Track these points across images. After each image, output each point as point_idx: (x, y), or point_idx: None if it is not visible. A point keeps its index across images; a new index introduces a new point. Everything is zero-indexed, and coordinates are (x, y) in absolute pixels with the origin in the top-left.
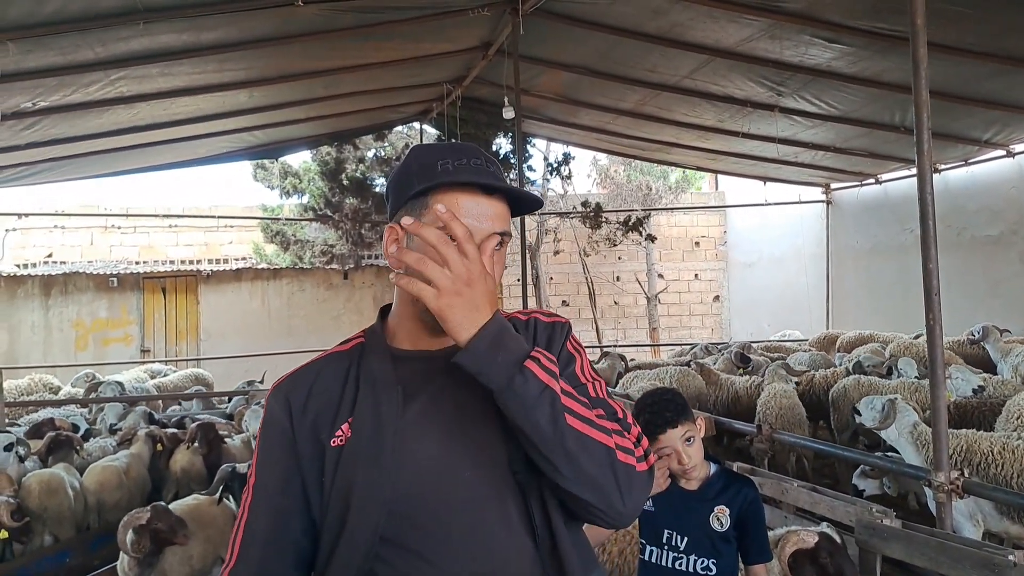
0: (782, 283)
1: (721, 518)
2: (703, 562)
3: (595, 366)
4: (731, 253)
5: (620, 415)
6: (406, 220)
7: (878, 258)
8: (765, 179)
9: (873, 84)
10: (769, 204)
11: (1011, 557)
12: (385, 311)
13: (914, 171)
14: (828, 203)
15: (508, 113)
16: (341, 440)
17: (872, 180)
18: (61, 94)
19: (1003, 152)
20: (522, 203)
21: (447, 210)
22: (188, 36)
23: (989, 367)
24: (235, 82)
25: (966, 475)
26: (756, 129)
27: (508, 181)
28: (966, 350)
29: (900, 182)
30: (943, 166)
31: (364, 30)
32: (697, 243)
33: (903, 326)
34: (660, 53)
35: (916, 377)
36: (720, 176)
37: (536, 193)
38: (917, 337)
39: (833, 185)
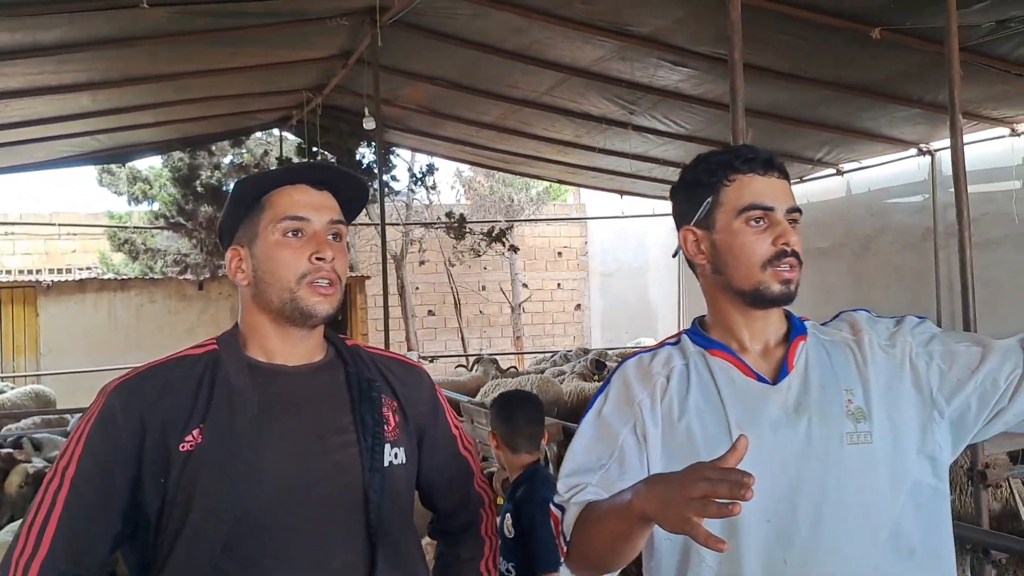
0: (638, 293)
1: (508, 523)
2: (504, 565)
3: (467, 373)
4: (591, 263)
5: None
6: None
7: None
8: (622, 193)
9: (717, 106)
10: (626, 216)
11: None
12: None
13: None
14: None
15: (369, 124)
16: (190, 446)
17: None
18: None
19: (834, 171)
20: (352, 199)
21: None
22: (22, 35)
23: None
24: (76, 84)
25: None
26: (611, 145)
27: (369, 192)
28: None
29: None
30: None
31: (216, 34)
32: (560, 253)
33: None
34: (521, 70)
35: None
36: (582, 189)
37: (393, 199)
38: None
39: None
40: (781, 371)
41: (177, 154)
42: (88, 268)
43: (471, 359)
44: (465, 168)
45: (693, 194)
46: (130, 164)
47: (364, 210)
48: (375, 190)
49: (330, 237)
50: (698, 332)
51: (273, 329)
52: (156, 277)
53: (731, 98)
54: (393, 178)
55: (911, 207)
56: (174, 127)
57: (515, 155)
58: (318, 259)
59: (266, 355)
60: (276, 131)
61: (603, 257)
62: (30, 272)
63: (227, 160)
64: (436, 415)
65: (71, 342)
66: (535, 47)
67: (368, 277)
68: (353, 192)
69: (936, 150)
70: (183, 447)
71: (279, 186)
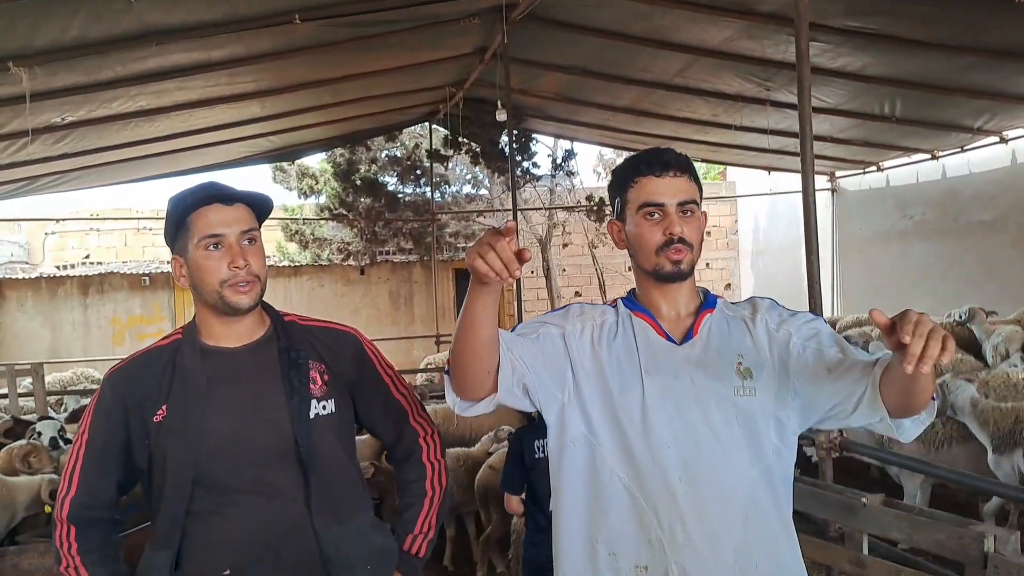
0: (790, 271)
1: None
2: None
3: None
4: (741, 242)
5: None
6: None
7: (879, 244)
8: (769, 169)
9: (856, 78)
10: (774, 193)
11: (863, 500)
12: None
13: (914, 159)
14: (833, 191)
15: (501, 116)
16: (160, 417)
17: (875, 168)
18: (87, 110)
19: (996, 139)
20: (260, 205)
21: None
22: (198, 54)
23: (976, 348)
24: (246, 93)
25: (844, 435)
26: (751, 122)
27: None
28: (955, 331)
29: (901, 169)
30: (941, 153)
31: (360, 42)
32: (708, 232)
33: (903, 306)
34: (649, 54)
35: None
36: (731, 167)
37: (537, 180)
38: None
39: (838, 173)
40: (687, 335)
41: (338, 150)
42: (267, 257)
43: None
44: (608, 151)
45: (613, 194)
46: (299, 161)
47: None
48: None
49: (245, 243)
50: (631, 299)
51: (215, 319)
52: (324, 264)
53: (798, 88)
54: (534, 164)
55: None
56: (334, 126)
57: (653, 136)
58: (235, 267)
59: (214, 339)
60: (427, 124)
61: (754, 235)
62: None
63: (382, 154)
64: (362, 368)
65: None
66: (660, 31)
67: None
68: (258, 201)
69: None
70: (155, 419)
71: (197, 208)
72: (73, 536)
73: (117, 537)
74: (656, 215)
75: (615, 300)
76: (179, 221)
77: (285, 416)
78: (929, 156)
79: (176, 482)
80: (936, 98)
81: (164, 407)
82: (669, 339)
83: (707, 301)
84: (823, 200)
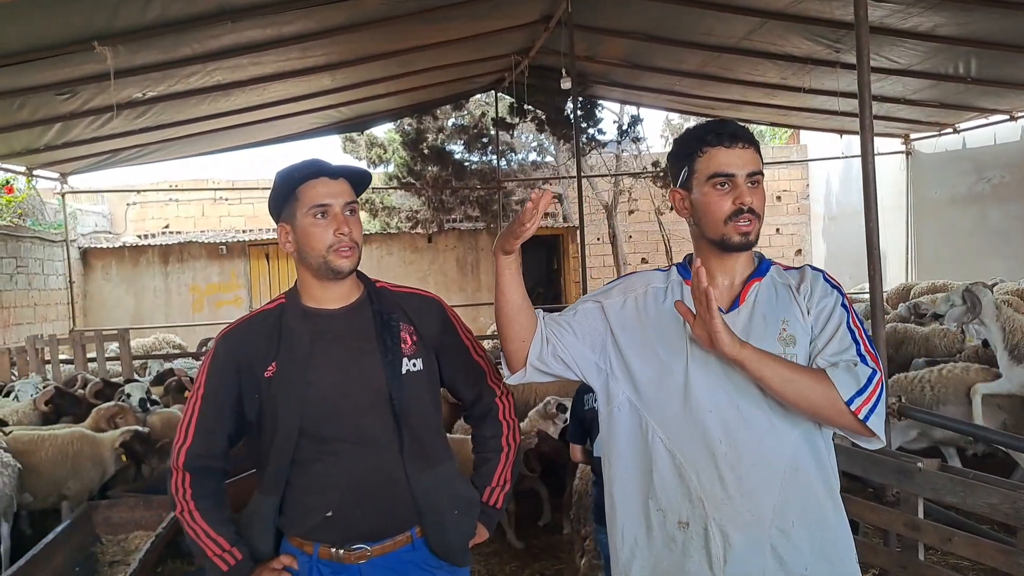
0: (863, 236)
1: None
2: None
3: None
4: (813, 207)
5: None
6: None
7: (956, 208)
8: (841, 132)
9: (929, 38)
10: (847, 157)
11: (919, 464)
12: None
13: (992, 119)
14: (908, 154)
15: (566, 84)
16: (271, 373)
17: (950, 130)
18: (166, 85)
19: None
20: (360, 180)
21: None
22: (271, 30)
23: None
24: (317, 67)
25: (903, 400)
26: (820, 84)
27: (370, 175)
28: None
29: (978, 131)
30: (1019, 113)
31: (427, 14)
32: (779, 197)
33: (980, 275)
34: (714, 17)
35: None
36: (802, 131)
37: (577, 146)
38: (994, 285)
39: (912, 136)
40: (734, 303)
41: (406, 120)
42: None
43: None
44: (674, 116)
45: (676, 163)
46: (368, 132)
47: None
48: (571, 145)
49: (347, 214)
50: (685, 267)
51: (316, 282)
52: (392, 232)
53: (857, 55)
54: (600, 131)
55: None
56: (403, 96)
57: (721, 100)
58: (340, 234)
59: (315, 302)
60: (492, 92)
61: (826, 200)
62: None
63: (450, 123)
64: (446, 331)
65: None
66: None
67: (576, 227)
68: (359, 176)
69: None
70: (266, 374)
71: (306, 181)
72: (188, 483)
73: (225, 485)
74: (727, 185)
75: (670, 265)
76: (288, 192)
77: (380, 372)
78: (1007, 117)
79: (285, 432)
80: (1012, 56)
81: (274, 364)
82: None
83: (759, 268)
84: (897, 163)
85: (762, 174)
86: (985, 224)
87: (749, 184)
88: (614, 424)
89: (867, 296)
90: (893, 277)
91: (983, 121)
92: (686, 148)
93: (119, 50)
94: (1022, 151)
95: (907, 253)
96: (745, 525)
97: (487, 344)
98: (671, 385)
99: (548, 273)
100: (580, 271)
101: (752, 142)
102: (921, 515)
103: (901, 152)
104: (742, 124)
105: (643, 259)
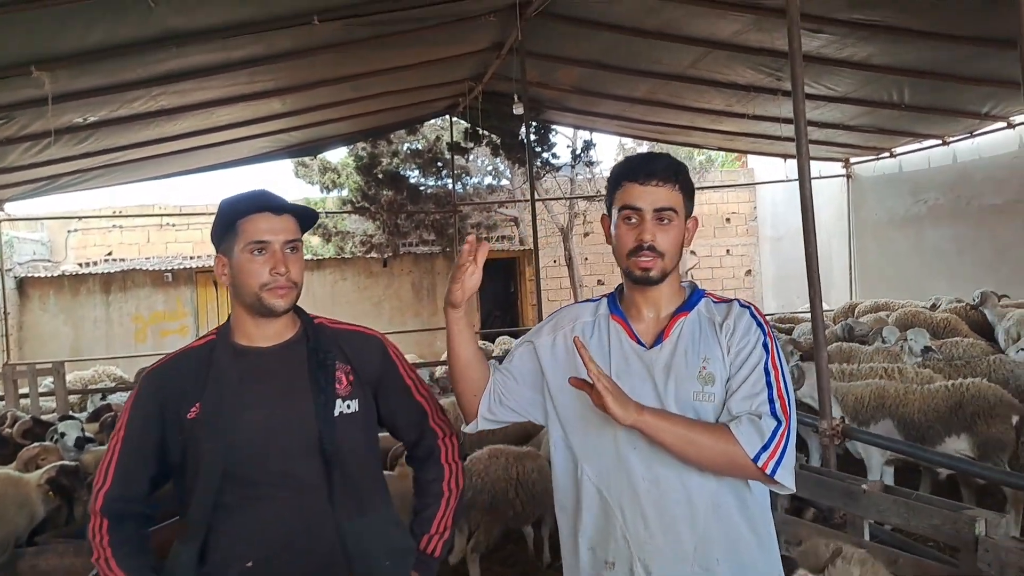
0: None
1: None
2: None
3: None
4: (761, 228)
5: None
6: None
7: (895, 229)
8: (785, 156)
9: (864, 67)
10: (791, 180)
11: (863, 486)
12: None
13: (925, 144)
14: (848, 177)
15: (518, 109)
16: (195, 414)
17: (887, 154)
18: (108, 110)
19: (1004, 124)
20: (306, 218)
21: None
22: (218, 55)
23: (989, 331)
24: (267, 91)
25: (846, 421)
26: (764, 111)
27: (317, 212)
28: (969, 315)
29: (913, 155)
30: (951, 138)
31: (379, 40)
32: (728, 219)
33: (918, 294)
34: (662, 47)
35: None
36: (751, 155)
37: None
38: (933, 306)
39: (852, 159)
40: (658, 339)
41: (360, 144)
42: None
43: None
44: (628, 141)
45: (607, 191)
46: (321, 156)
47: (522, 187)
48: (526, 169)
49: (287, 251)
50: (613, 298)
51: (249, 319)
52: (347, 257)
53: (792, 83)
54: (553, 155)
55: None
56: (356, 120)
57: (671, 126)
58: (277, 273)
59: (247, 339)
60: (447, 117)
61: (773, 221)
62: None
63: (404, 147)
64: (386, 370)
65: None
66: (672, 25)
67: (532, 250)
68: (306, 214)
69: None
70: (190, 415)
71: (248, 214)
72: (106, 528)
73: (148, 531)
74: (633, 219)
75: (604, 295)
76: (228, 224)
77: (311, 413)
78: (940, 142)
79: (206, 476)
80: (942, 85)
81: (198, 404)
82: (639, 342)
83: (688, 301)
84: (838, 186)
85: (675, 211)
86: (922, 244)
87: (656, 221)
88: (554, 460)
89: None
90: (838, 295)
91: (918, 146)
92: (612, 179)
93: (59, 74)
94: (955, 174)
95: (851, 272)
96: (668, 563)
97: (438, 370)
98: (597, 423)
99: (506, 296)
100: (536, 294)
101: (672, 180)
102: (867, 537)
103: (842, 175)
104: (676, 160)
105: (599, 281)
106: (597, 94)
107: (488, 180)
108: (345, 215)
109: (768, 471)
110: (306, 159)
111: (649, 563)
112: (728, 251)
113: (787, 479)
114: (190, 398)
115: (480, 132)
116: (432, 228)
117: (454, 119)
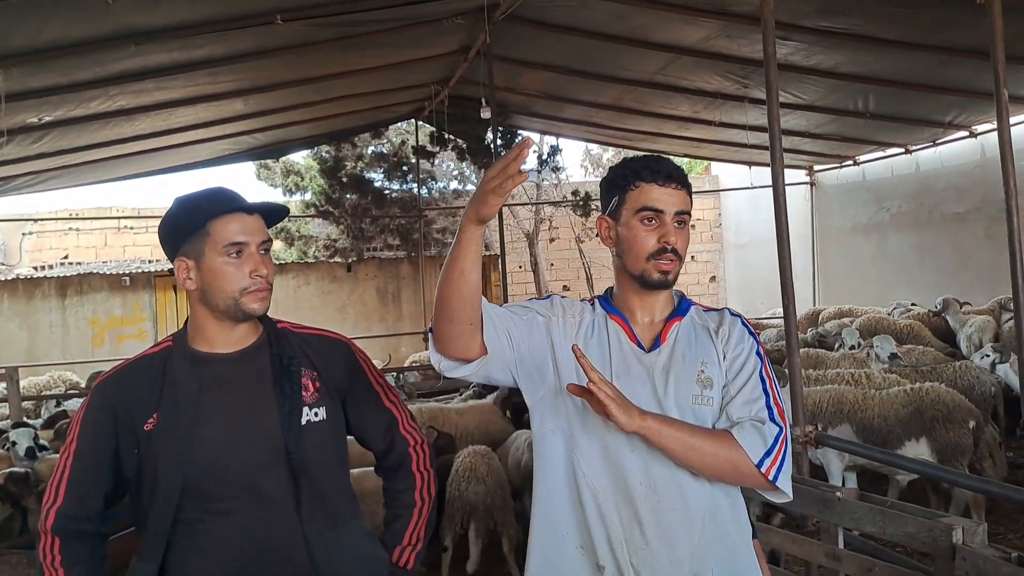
0: (771, 263)
1: None
2: None
3: None
4: (725, 235)
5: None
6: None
7: (858, 236)
8: (750, 164)
9: (831, 75)
10: (755, 187)
11: (837, 494)
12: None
13: (888, 152)
14: (812, 184)
15: (485, 113)
16: (151, 426)
17: (851, 162)
18: (64, 110)
19: (966, 133)
20: (273, 216)
21: None
22: (178, 54)
23: (951, 337)
24: (228, 92)
25: (819, 429)
26: (730, 118)
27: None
28: (932, 322)
29: (875, 163)
30: (914, 147)
31: (344, 41)
32: (693, 226)
33: (880, 301)
34: (629, 53)
35: (853, 347)
36: (715, 162)
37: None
38: (893, 311)
39: (816, 167)
40: (656, 342)
41: (324, 147)
42: None
43: None
44: (594, 147)
45: (609, 191)
46: (284, 158)
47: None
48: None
49: (262, 253)
50: (607, 300)
51: (214, 324)
52: (310, 261)
53: (767, 91)
54: None
55: None
56: (320, 123)
57: (637, 132)
58: (257, 276)
59: (207, 345)
60: (413, 121)
61: (737, 228)
62: None
63: (369, 151)
64: (354, 377)
65: None
66: (639, 31)
67: (497, 255)
68: (273, 211)
69: None
70: (146, 427)
71: (220, 215)
72: (57, 548)
73: (103, 551)
74: (654, 221)
75: (592, 299)
76: (196, 226)
77: (276, 422)
78: (903, 150)
79: (165, 491)
80: (907, 94)
81: (155, 415)
82: (639, 345)
83: (679, 308)
84: (802, 193)
85: (689, 215)
86: (885, 251)
87: (676, 224)
88: (546, 447)
89: (780, 321)
90: (801, 302)
91: (881, 154)
92: (620, 179)
93: (11, 72)
94: (917, 183)
95: (814, 279)
96: (662, 570)
97: (412, 377)
98: (595, 422)
99: None
100: (503, 300)
101: (685, 184)
102: (841, 545)
103: (806, 183)
104: (678, 165)
105: (564, 286)
106: (564, 99)
107: (454, 185)
108: (308, 219)
109: (770, 477)
110: (269, 162)
111: (642, 571)
112: (693, 257)
113: (787, 486)
114: (146, 409)
115: (446, 136)
116: (397, 233)
117: (420, 123)
